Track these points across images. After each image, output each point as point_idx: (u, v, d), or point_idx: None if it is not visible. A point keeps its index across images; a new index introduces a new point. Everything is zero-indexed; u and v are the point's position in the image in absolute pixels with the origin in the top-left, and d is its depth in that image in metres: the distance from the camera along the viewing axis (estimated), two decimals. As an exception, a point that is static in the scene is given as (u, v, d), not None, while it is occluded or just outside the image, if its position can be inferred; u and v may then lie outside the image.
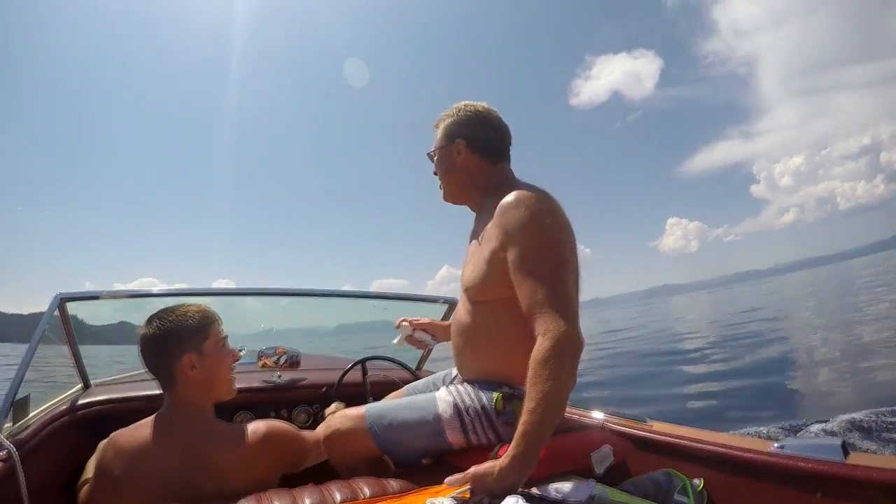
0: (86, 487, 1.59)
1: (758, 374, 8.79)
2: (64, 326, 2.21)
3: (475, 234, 1.63)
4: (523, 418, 1.19)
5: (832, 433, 4.52)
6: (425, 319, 2.09)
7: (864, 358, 8.24)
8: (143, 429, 1.45)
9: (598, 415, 1.94)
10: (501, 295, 1.47)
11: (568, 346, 1.23)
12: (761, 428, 4.82)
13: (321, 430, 1.65)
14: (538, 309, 1.29)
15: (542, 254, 1.37)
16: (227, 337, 1.59)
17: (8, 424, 1.68)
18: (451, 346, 1.76)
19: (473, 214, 1.72)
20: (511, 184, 1.61)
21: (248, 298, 2.83)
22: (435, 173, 1.77)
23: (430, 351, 2.89)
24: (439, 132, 1.74)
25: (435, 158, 1.75)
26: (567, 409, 1.88)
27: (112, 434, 1.49)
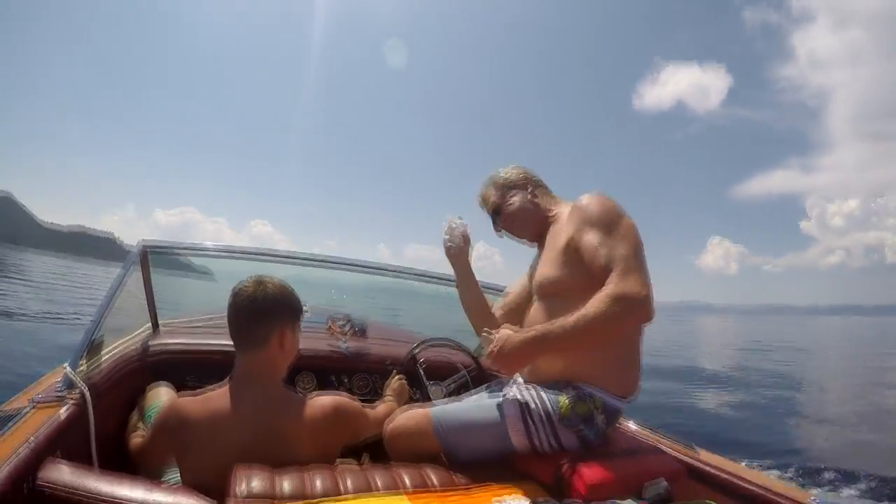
0: (141, 442, 1.63)
1: (768, 408, 8.77)
2: (143, 272, 2.30)
3: (541, 250, 1.82)
4: (566, 317, 1.46)
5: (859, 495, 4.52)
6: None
7: (876, 422, 8.11)
8: (212, 401, 1.45)
9: (646, 433, 1.96)
10: (577, 285, 1.57)
11: (627, 308, 1.41)
12: (775, 471, 4.79)
13: (387, 426, 1.68)
14: (617, 276, 1.44)
15: (616, 240, 1.52)
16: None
17: (82, 364, 1.71)
18: None
19: None
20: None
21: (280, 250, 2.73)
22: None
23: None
24: None
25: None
26: (622, 421, 1.94)
27: (175, 401, 1.51)
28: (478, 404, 1.64)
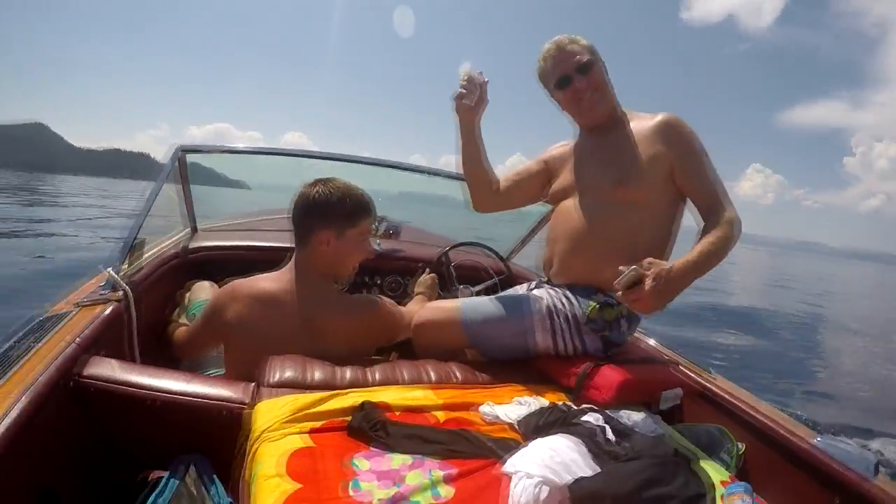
0: (187, 328, 1.72)
1: (788, 350, 8.73)
2: (180, 175, 2.31)
3: (604, 146, 1.67)
4: (704, 245, 1.42)
5: (870, 448, 4.58)
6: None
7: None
8: (263, 282, 1.54)
9: (668, 351, 1.97)
10: (651, 196, 1.57)
11: (739, 231, 1.48)
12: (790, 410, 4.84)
13: (416, 317, 1.66)
14: (723, 201, 1.52)
15: (712, 167, 1.58)
16: (371, 234, 1.67)
17: (124, 266, 1.74)
18: (550, 250, 1.76)
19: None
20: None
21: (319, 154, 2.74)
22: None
23: (523, 242, 2.89)
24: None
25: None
26: (641, 336, 1.99)
27: (231, 282, 1.60)
28: (508, 300, 1.66)
